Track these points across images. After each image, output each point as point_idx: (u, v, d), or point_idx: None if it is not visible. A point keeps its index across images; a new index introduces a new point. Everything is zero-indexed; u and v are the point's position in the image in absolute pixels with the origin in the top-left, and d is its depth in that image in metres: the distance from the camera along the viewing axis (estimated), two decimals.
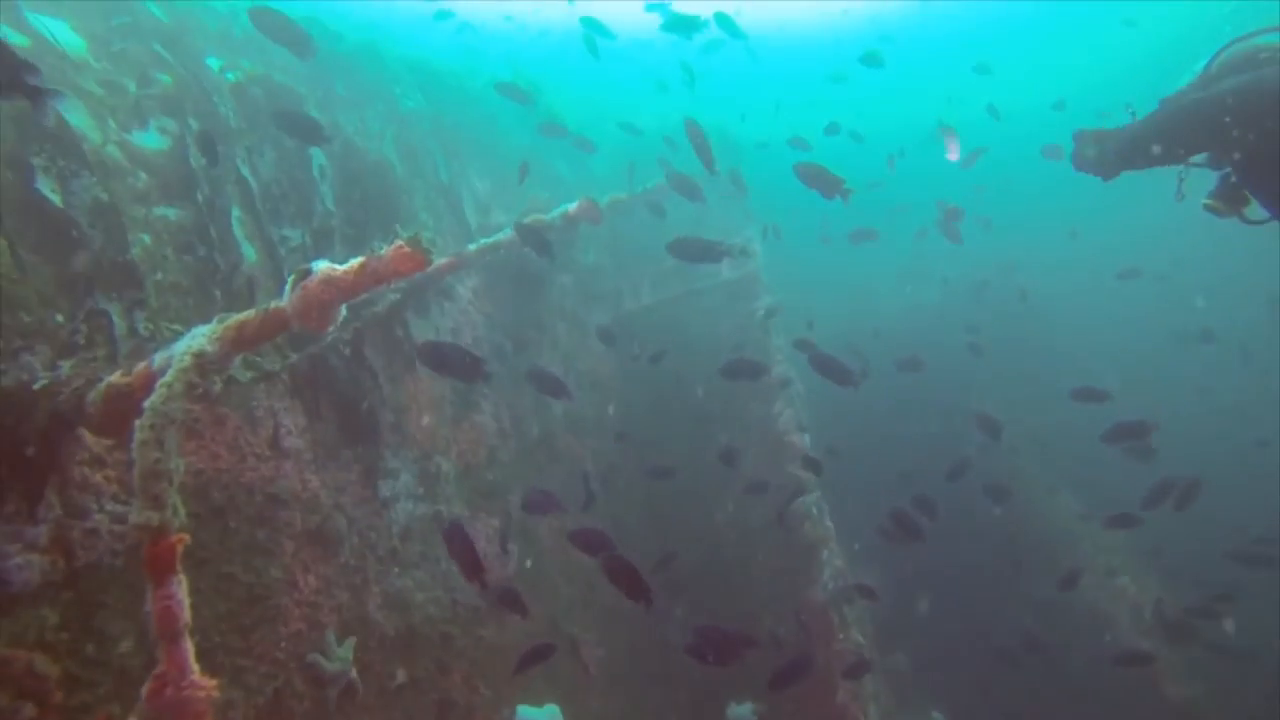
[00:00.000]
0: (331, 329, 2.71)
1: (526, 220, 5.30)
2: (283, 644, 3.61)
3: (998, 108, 10.25)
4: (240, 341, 2.70)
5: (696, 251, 5.18)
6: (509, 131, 9.45)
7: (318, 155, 5.11)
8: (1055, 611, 9.47)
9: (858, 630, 6.67)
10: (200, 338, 2.61)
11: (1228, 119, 2.70)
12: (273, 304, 2.67)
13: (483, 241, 5.32)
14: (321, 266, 2.60)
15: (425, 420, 5.94)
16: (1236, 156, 2.84)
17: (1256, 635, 8.05)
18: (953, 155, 8.93)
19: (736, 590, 7.59)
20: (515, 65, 11.05)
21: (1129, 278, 10.72)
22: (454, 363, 4.02)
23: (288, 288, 2.63)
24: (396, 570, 4.83)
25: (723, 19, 9.09)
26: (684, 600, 7.76)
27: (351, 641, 4.09)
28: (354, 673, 3.98)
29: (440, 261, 5.27)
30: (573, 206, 5.90)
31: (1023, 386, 12.11)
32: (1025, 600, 9.84)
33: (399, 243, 2.56)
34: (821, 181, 5.05)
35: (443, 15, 11.13)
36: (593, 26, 8.72)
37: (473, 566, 3.77)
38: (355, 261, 2.62)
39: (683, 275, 8.60)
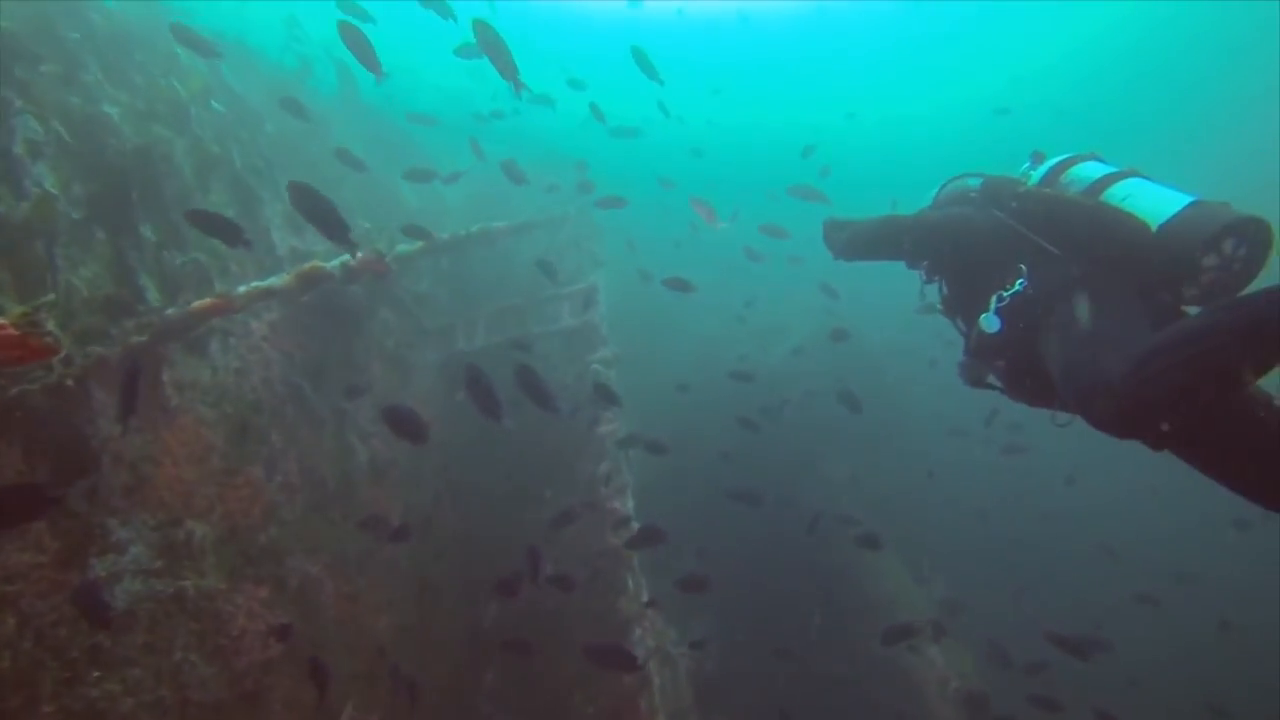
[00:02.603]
0: None
1: (305, 268, 4.60)
2: None
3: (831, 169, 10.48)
4: None
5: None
6: (343, 140, 8.61)
7: (28, 123, 4.10)
8: (874, 674, 9.72)
9: (664, 715, 6.32)
10: None
11: (938, 240, 3.12)
12: None
13: (255, 285, 4.55)
14: None
15: (183, 475, 5.06)
16: (932, 271, 3.27)
17: None
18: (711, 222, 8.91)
19: (548, 662, 7.08)
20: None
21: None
22: None
23: None
24: (95, 674, 3.95)
25: None
26: (493, 669, 7.22)
27: None
28: None
29: (202, 302, 4.47)
30: (356, 258, 5.23)
31: (862, 450, 12.47)
32: (849, 658, 10.03)
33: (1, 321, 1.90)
34: (362, 53, 4.95)
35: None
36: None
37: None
38: None
39: (521, 318, 8.07)
